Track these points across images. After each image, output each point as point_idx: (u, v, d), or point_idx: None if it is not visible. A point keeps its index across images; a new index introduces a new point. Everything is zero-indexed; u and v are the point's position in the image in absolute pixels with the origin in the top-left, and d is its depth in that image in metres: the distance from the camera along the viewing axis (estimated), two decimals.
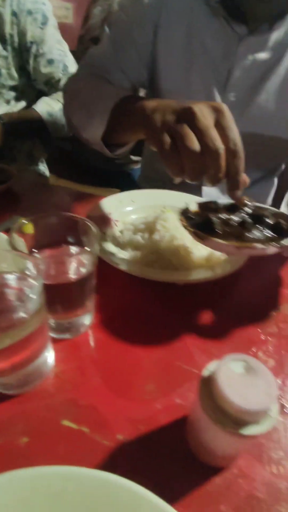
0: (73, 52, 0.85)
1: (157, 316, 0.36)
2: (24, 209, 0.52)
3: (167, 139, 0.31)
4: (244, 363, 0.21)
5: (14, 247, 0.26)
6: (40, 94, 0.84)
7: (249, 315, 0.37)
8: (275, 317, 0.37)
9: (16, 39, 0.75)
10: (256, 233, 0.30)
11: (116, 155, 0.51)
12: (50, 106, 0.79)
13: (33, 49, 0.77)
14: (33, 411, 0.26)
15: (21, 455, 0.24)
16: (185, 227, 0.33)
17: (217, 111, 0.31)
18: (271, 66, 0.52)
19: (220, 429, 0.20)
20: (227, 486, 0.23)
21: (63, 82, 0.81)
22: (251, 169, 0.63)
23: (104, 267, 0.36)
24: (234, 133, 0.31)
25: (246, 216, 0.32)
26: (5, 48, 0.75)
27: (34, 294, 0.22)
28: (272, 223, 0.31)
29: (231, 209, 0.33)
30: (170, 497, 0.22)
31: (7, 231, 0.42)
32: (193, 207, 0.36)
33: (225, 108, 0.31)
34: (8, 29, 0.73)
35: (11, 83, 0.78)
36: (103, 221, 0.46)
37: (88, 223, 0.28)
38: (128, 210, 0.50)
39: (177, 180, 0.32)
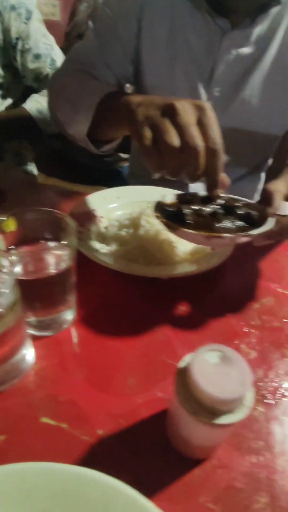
0: (61, 49, 0.84)
1: (140, 311, 0.35)
2: (9, 208, 0.51)
3: (148, 133, 0.31)
4: (220, 353, 0.21)
5: None
6: (27, 91, 0.83)
7: (232, 308, 0.37)
8: (258, 310, 0.37)
9: (0, 36, 0.74)
10: (226, 224, 0.30)
11: (102, 152, 0.51)
12: (39, 103, 0.78)
13: (19, 45, 0.75)
14: (12, 409, 0.26)
15: None
16: (157, 217, 0.33)
17: (200, 109, 0.31)
18: (254, 61, 0.52)
19: (195, 420, 0.19)
20: (207, 477, 0.23)
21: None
22: (237, 165, 0.64)
23: (87, 264, 0.36)
24: (215, 132, 0.31)
25: (218, 207, 0.33)
26: None
27: (6, 288, 0.22)
28: (243, 213, 0.32)
29: (205, 200, 0.33)
30: (149, 491, 0.22)
31: None
32: (170, 199, 0.36)
33: (207, 106, 0.31)
34: None
35: None
36: (87, 217, 0.45)
37: (66, 218, 0.28)
38: (113, 206, 0.50)
39: (157, 175, 0.32)
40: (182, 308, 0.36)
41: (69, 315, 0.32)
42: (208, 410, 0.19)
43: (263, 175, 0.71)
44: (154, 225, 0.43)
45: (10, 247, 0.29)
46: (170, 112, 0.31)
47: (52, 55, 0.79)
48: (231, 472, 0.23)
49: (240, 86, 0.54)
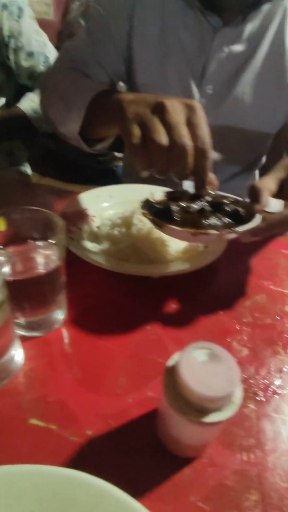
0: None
1: (132, 310, 0.35)
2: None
3: (136, 131, 0.31)
4: (208, 351, 0.20)
5: None
6: (20, 90, 0.82)
7: (225, 306, 0.37)
8: (250, 307, 0.37)
9: None
10: (213, 220, 0.30)
11: (94, 151, 0.51)
12: (34, 102, 0.78)
13: (12, 43, 0.75)
14: (0, 410, 0.25)
15: None
16: (144, 215, 0.33)
17: (190, 108, 0.31)
18: (246, 58, 0.52)
19: (183, 419, 0.19)
20: (197, 476, 0.23)
21: None
22: (230, 163, 0.64)
23: (78, 263, 0.36)
24: (204, 132, 0.30)
25: (206, 204, 0.32)
26: None
27: None
28: (230, 210, 0.32)
29: (194, 197, 0.33)
30: (139, 491, 0.22)
31: None
32: (159, 197, 0.36)
33: (198, 106, 0.31)
34: None
35: None
36: (79, 216, 0.45)
37: (54, 217, 0.28)
38: (106, 205, 0.49)
39: (145, 174, 0.31)
40: (174, 307, 0.36)
41: (59, 315, 0.32)
42: (196, 408, 0.19)
43: (256, 173, 0.71)
44: (147, 224, 0.42)
45: None
46: (159, 110, 0.31)
47: (45, 52, 0.78)
48: (221, 471, 0.23)
49: (232, 84, 0.54)
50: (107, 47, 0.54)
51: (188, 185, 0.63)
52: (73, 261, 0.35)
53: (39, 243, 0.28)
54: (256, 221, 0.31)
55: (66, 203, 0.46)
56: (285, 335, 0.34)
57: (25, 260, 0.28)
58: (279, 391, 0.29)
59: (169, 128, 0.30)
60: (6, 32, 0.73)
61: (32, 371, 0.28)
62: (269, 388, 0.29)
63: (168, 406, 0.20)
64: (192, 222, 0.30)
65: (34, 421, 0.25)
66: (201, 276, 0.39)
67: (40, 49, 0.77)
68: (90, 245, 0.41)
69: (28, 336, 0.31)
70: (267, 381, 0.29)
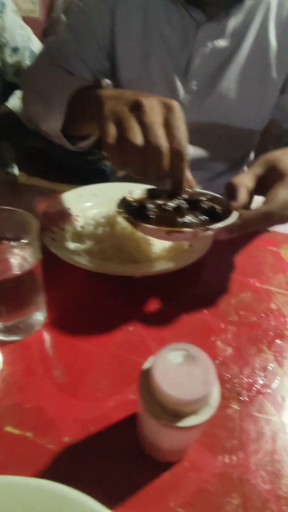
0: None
1: (113, 310, 0.34)
2: None
3: (112, 130, 0.30)
4: (184, 352, 0.20)
5: None
6: (7, 88, 0.80)
7: (209, 304, 0.36)
8: (235, 306, 0.36)
9: None
10: (189, 218, 0.30)
11: (78, 148, 0.50)
12: None
13: None
14: None
15: None
16: (119, 213, 0.32)
17: (168, 108, 0.30)
18: (230, 54, 0.52)
19: (158, 423, 0.19)
20: (177, 480, 0.22)
21: None
22: (216, 159, 0.64)
23: (58, 263, 0.35)
24: (181, 133, 0.30)
25: (183, 201, 0.32)
26: None
27: None
28: (206, 207, 0.31)
29: (172, 195, 0.32)
30: (117, 498, 0.21)
31: None
32: (138, 194, 0.35)
33: (176, 105, 0.30)
34: None
35: None
36: (61, 216, 0.44)
37: (27, 216, 0.27)
38: (89, 204, 0.48)
39: (121, 173, 0.31)
40: (157, 306, 0.35)
41: (38, 317, 0.31)
42: (171, 412, 0.18)
43: (245, 170, 0.71)
44: None
45: None
46: (137, 108, 0.30)
47: (30, 46, 0.77)
48: (202, 474, 0.23)
49: (216, 79, 0.53)
50: (89, 43, 0.53)
51: None
52: (54, 262, 0.34)
53: (14, 243, 0.27)
54: (232, 218, 0.30)
55: (48, 203, 0.45)
56: (271, 333, 0.34)
57: None
58: (263, 390, 0.28)
59: (145, 128, 0.29)
60: None
61: (10, 376, 0.27)
62: (253, 387, 0.28)
63: (144, 411, 0.19)
64: (168, 220, 0.29)
65: (9, 429, 0.24)
66: (185, 274, 0.38)
67: (25, 44, 0.76)
68: (72, 245, 0.40)
69: (6, 340, 0.30)
70: (251, 380, 0.29)
